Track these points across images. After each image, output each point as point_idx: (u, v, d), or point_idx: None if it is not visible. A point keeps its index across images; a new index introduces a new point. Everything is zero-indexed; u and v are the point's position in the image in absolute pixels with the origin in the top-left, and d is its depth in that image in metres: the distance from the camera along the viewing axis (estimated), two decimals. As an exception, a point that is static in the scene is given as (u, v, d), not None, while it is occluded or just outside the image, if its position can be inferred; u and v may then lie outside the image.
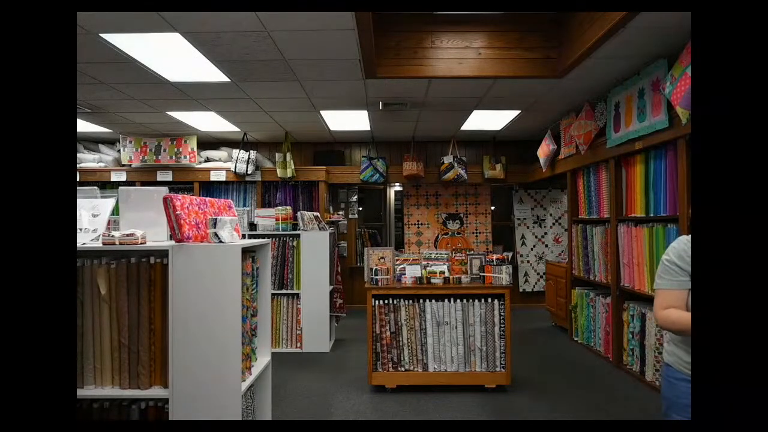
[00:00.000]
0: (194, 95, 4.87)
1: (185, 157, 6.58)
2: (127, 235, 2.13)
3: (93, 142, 7.06)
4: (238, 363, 2.16)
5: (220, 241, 2.19)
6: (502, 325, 3.89)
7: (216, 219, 2.22)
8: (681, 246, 1.69)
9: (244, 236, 3.98)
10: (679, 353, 1.72)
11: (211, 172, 6.76)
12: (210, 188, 6.95)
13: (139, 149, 6.59)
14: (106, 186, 6.64)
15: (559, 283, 6.16)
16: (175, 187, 6.69)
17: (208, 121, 6.02)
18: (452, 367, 3.91)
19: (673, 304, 1.66)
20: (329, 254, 5.24)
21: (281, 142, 6.63)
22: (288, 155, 6.56)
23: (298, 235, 5.21)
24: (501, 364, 3.89)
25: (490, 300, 3.90)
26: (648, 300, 4.21)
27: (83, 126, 6.17)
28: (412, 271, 3.97)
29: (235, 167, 6.60)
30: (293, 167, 6.62)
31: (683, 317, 1.59)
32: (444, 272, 3.95)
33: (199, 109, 5.44)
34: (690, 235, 1.70)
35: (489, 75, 4.15)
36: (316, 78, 4.34)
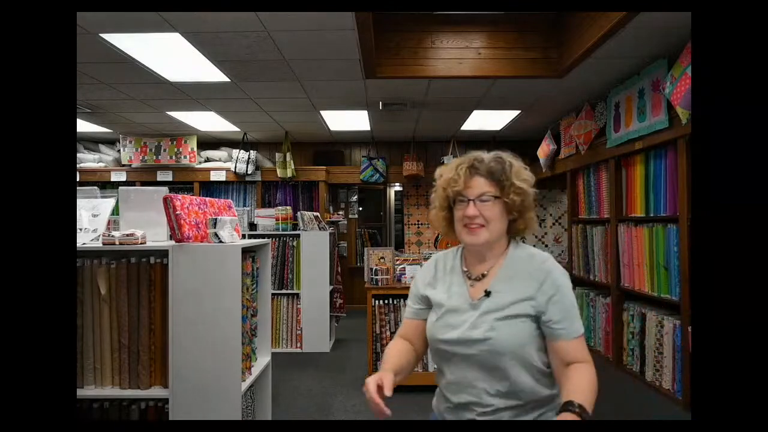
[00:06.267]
0: (194, 95, 4.87)
1: (185, 157, 6.58)
2: (127, 235, 2.13)
3: (93, 142, 7.06)
4: (238, 363, 2.16)
5: (220, 241, 2.19)
6: (502, 325, 3.88)
7: (216, 219, 2.22)
8: None
9: (244, 236, 3.97)
10: None
11: (211, 172, 6.76)
12: (210, 188, 6.94)
13: (139, 149, 6.58)
14: (106, 186, 6.63)
15: (559, 283, 6.15)
16: (175, 187, 6.69)
17: (208, 121, 6.02)
18: (452, 367, 3.90)
19: None
20: (329, 254, 5.24)
21: (281, 142, 6.63)
22: (288, 155, 6.55)
23: (298, 235, 5.21)
24: (501, 364, 3.88)
25: (490, 300, 3.90)
26: (648, 300, 4.21)
27: (83, 126, 6.17)
28: (412, 271, 3.97)
29: (235, 167, 6.60)
30: (293, 167, 6.62)
31: None
32: (444, 272, 3.94)
33: (199, 109, 5.44)
34: None
35: (489, 75, 4.15)
36: (316, 78, 4.34)
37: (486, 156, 1.39)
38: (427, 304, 1.47)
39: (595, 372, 1.27)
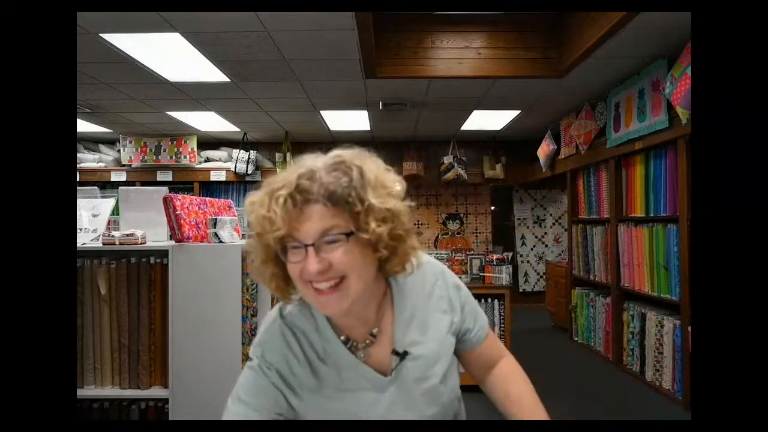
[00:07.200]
0: (194, 95, 4.87)
1: (185, 157, 6.58)
2: (127, 235, 2.13)
3: (93, 142, 7.06)
4: (238, 363, 2.16)
5: (220, 241, 2.19)
6: (502, 326, 3.88)
7: (216, 219, 2.22)
8: None
9: (244, 236, 3.97)
10: None
11: (211, 172, 6.76)
12: (210, 188, 6.94)
13: (139, 149, 6.58)
14: (106, 186, 6.62)
15: (559, 284, 6.16)
16: (175, 187, 6.68)
17: (208, 121, 6.02)
18: (452, 367, 3.89)
19: None
20: (329, 254, 5.23)
21: (281, 142, 6.63)
22: (288, 155, 6.56)
23: (298, 235, 5.21)
24: (501, 364, 3.88)
25: (489, 300, 3.90)
26: (648, 300, 4.21)
27: (83, 126, 6.17)
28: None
29: (235, 167, 6.60)
30: (293, 167, 6.62)
31: None
32: (444, 272, 3.93)
33: (199, 109, 5.44)
34: None
35: (488, 75, 4.15)
36: (316, 78, 4.34)
37: (319, 164, 0.85)
38: (290, 408, 0.96)
39: (517, 363, 1.13)
